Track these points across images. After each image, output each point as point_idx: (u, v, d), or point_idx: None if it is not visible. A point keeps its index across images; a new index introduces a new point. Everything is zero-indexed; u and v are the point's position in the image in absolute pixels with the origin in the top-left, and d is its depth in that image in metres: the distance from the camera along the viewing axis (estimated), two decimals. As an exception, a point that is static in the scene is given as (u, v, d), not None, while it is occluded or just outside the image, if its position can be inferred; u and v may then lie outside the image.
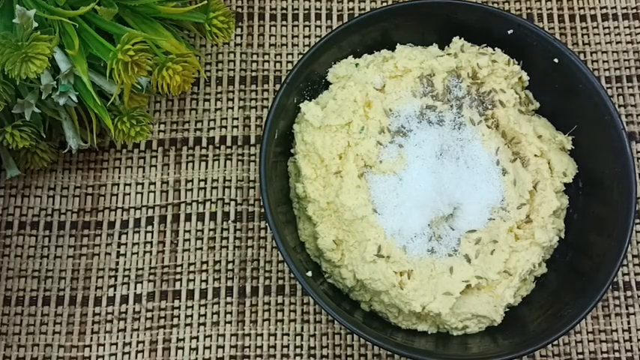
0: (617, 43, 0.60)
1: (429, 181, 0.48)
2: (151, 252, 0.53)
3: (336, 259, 0.48)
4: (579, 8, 0.60)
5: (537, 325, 0.47)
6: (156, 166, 0.56)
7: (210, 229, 0.54)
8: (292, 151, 0.51)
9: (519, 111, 0.51)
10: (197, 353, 0.51)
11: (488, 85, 0.51)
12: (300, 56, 0.50)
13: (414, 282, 0.46)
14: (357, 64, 0.52)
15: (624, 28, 0.60)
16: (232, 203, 0.55)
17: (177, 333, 0.52)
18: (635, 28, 0.60)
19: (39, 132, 0.49)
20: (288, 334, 0.52)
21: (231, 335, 0.52)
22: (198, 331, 0.52)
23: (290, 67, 0.58)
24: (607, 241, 0.47)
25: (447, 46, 0.53)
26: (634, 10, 0.60)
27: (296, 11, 0.60)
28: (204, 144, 0.56)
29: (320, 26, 0.60)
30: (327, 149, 0.49)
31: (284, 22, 0.60)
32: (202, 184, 0.55)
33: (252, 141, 0.56)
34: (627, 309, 0.53)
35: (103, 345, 0.51)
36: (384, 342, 0.44)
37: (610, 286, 0.47)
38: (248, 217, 0.54)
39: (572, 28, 0.60)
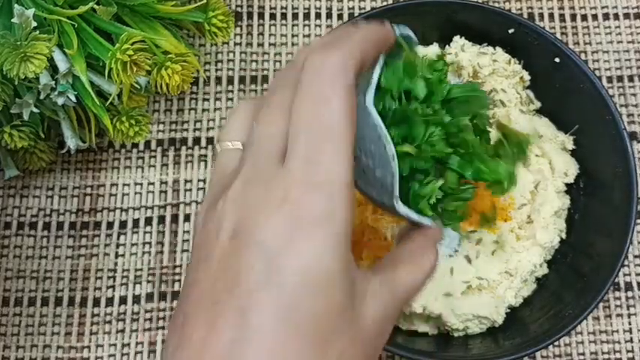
0: (618, 42, 0.59)
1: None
2: (149, 252, 0.53)
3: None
4: (580, 8, 0.60)
5: (538, 325, 0.47)
6: (155, 166, 0.55)
7: (209, 230, 0.54)
8: (292, 151, 0.51)
9: (520, 110, 0.51)
10: (196, 354, 0.51)
11: (489, 84, 0.51)
12: (300, 56, 0.50)
13: (414, 283, 0.46)
14: (357, 64, 0.52)
15: (625, 27, 0.60)
16: (232, 203, 0.54)
17: (177, 334, 0.51)
18: (636, 27, 0.60)
19: (37, 132, 0.49)
20: (287, 335, 0.52)
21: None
22: (197, 332, 0.51)
23: (290, 66, 0.58)
24: (608, 242, 0.47)
25: (447, 46, 0.53)
26: (635, 10, 0.60)
27: (296, 10, 0.60)
28: (203, 144, 0.56)
29: (320, 25, 0.59)
30: (327, 149, 0.49)
31: (284, 22, 0.59)
32: (201, 184, 0.55)
33: (252, 141, 0.56)
34: (628, 309, 0.53)
35: (102, 346, 0.51)
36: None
37: (611, 287, 0.47)
38: (247, 217, 0.54)
39: (573, 27, 0.60)
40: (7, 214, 0.54)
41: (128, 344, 0.51)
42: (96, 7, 0.44)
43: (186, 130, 0.56)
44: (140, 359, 0.51)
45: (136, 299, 0.52)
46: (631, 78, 0.58)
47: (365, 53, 0.28)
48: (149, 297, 0.52)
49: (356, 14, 0.60)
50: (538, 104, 0.53)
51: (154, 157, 0.56)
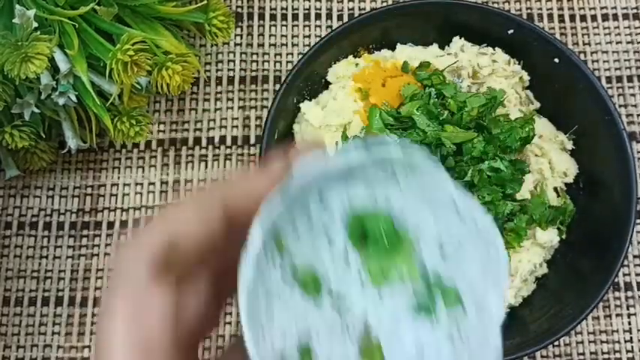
0: (617, 43, 0.59)
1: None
2: (150, 252, 0.53)
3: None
4: (579, 8, 0.60)
5: (538, 325, 0.47)
6: (155, 166, 0.55)
7: (209, 230, 0.54)
8: (292, 151, 0.51)
9: (520, 111, 0.51)
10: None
11: (489, 84, 0.51)
12: (300, 56, 0.50)
13: (414, 282, 0.46)
14: (357, 64, 0.52)
15: (624, 28, 0.60)
16: (232, 203, 0.54)
17: (177, 334, 0.51)
18: (636, 28, 0.60)
19: (38, 132, 0.49)
20: (288, 335, 0.52)
21: (231, 336, 0.51)
22: (197, 332, 0.51)
23: (290, 67, 0.58)
24: (607, 241, 0.47)
25: (447, 46, 0.53)
26: (634, 10, 0.60)
27: (296, 11, 0.60)
28: (203, 144, 0.56)
29: (320, 26, 0.60)
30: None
31: (284, 22, 0.59)
32: (202, 184, 0.55)
33: (252, 141, 0.56)
34: (628, 309, 0.53)
35: (103, 346, 0.51)
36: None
37: (611, 287, 0.47)
38: (248, 217, 0.54)
39: (572, 28, 0.60)
40: (7, 214, 0.54)
41: (129, 344, 0.51)
42: (97, 7, 0.45)
43: (187, 130, 0.56)
44: (140, 359, 0.51)
45: (137, 299, 0.52)
46: (630, 78, 0.58)
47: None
48: (149, 297, 0.52)
49: (356, 15, 0.60)
50: (537, 104, 0.53)
51: (155, 157, 0.56)
